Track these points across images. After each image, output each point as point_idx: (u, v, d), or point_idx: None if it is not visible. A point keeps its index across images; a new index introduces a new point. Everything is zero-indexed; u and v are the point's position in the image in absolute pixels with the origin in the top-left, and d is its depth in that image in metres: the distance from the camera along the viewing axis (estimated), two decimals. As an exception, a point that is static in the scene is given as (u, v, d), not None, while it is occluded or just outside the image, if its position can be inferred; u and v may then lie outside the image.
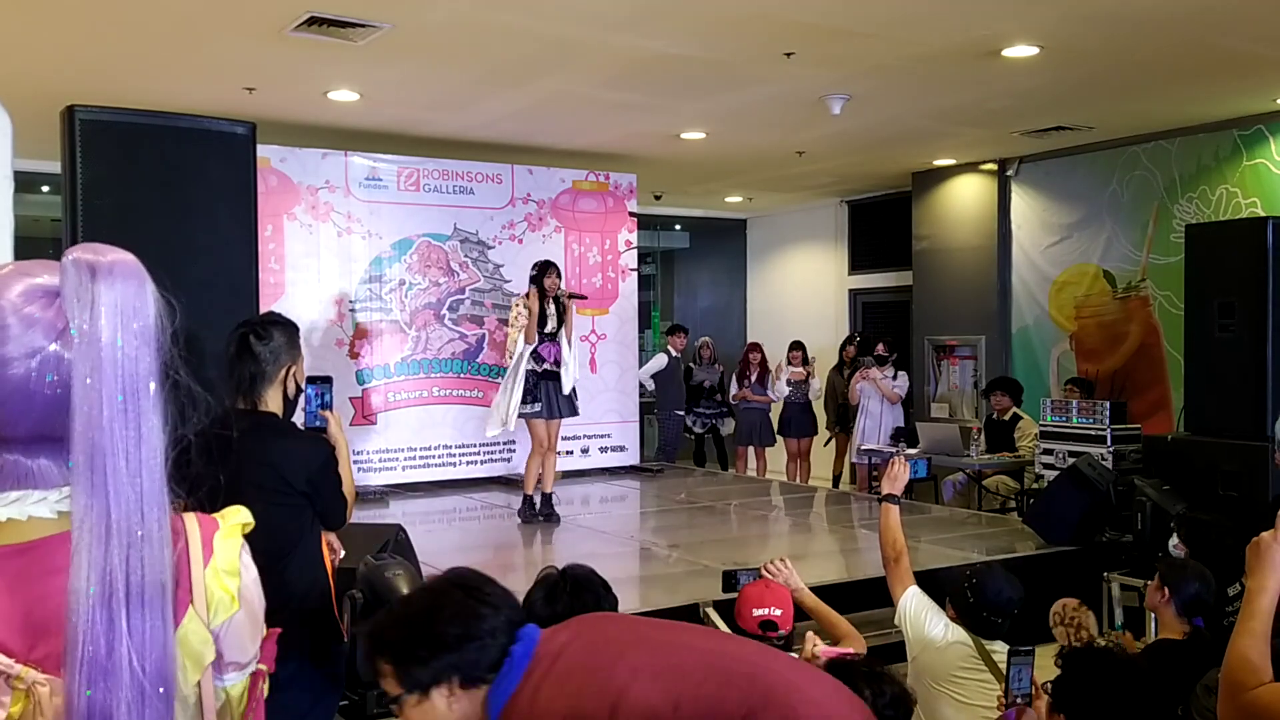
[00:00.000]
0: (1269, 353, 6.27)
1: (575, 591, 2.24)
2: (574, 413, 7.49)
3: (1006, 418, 8.61)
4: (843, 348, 10.76)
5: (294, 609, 2.92)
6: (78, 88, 6.14)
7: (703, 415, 10.85)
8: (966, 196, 10.35)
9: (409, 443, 8.85)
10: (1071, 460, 6.94)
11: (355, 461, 8.03)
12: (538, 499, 7.40)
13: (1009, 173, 9.99)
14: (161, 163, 4.35)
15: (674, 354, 10.54)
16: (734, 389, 10.66)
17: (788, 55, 6.33)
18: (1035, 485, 8.03)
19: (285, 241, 8.37)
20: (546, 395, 7.23)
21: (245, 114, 5.99)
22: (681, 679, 1.56)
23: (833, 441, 10.70)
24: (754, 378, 10.55)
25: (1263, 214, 7.77)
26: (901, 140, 9.03)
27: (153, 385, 1.01)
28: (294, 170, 8.41)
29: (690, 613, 5.02)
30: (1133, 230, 8.99)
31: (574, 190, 9.67)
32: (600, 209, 9.82)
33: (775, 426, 10.64)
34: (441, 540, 7.02)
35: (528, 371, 7.17)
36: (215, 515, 1.17)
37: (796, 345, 10.62)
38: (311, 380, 3.23)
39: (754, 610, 3.32)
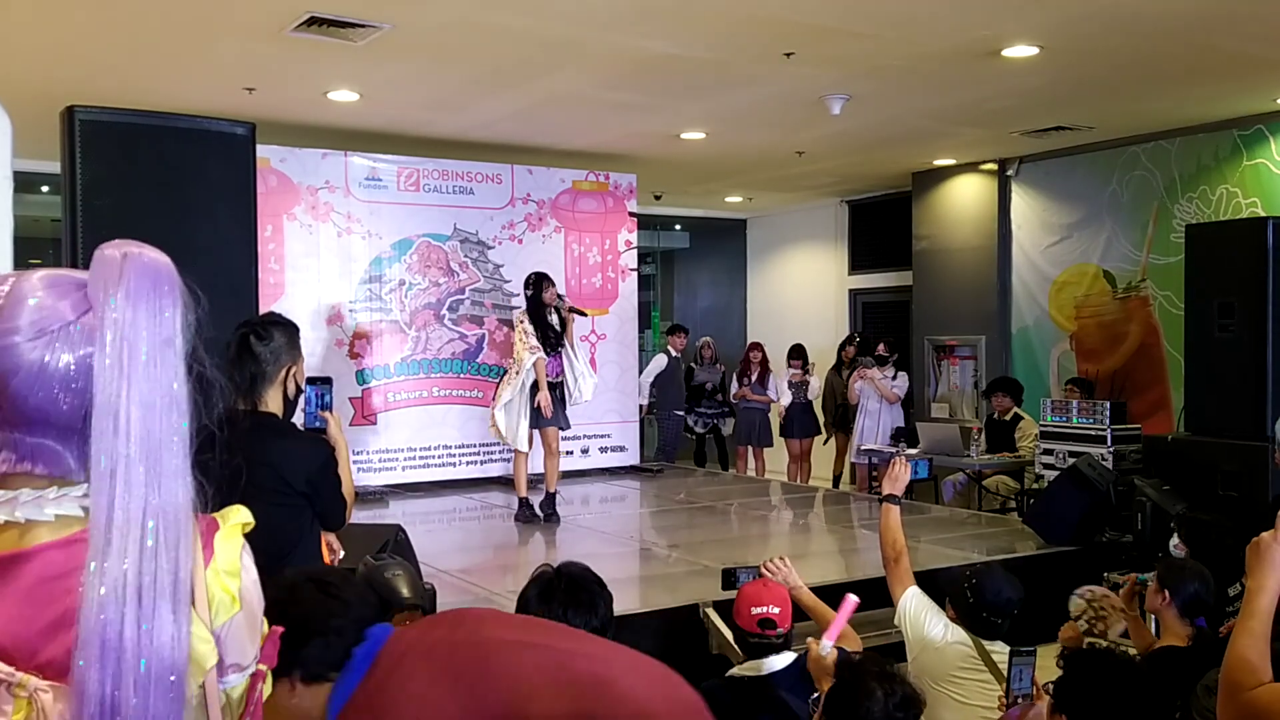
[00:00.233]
0: (1269, 353, 6.27)
1: (570, 590, 2.24)
2: (566, 425, 7.49)
3: (1008, 418, 8.61)
4: (841, 348, 10.76)
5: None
6: (77, 88, 6.15)
7: (704, 415, 10.85)
8: (966, 196, 10.35)
9: (409, 443, 8.85)
10: (1071, 460, 6.94)
11: (355, 462, 8.03)
12: (536, 500, 7.40)
13: (1009, 173, 9.99)
14: (161, 163, 4.35)
15: (674, 354, 10.54)
16: (734, 388, 10.67)
17: (788, 55, 6.33)
18: (1035, 485, 8.03)
19: (285, 242, 8.37)
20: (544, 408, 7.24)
21: (245, 114, 6.00)
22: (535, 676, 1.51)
23: (831, 441, 10.70)
24: (754, 377, 10.55)
25: (1263, 214, 7.77)
26: (901, 140, 9.03)
27: (175, 385, 1.00)
28: (294, 170, 8.41)
29: (690, 612, 5.03)
30: (1133, 230, 8.99)
31: (574, 190, 9.67)
32: (600, 209, 9.82)
33: (777, 428, 10.64)
34: (441, 540, 7.02)
35: (531, 386, 7.17)
36: (215, 515, 1.16)
37: (796, 352, 10.61)
38: (311, 381, 3.23)
39: (752, 609, 3.32)
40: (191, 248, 4.23)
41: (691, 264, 14.63)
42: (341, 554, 3.55)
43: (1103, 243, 9.21)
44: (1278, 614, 1.97)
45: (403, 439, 8.82)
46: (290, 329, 3.11)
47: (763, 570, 3.68)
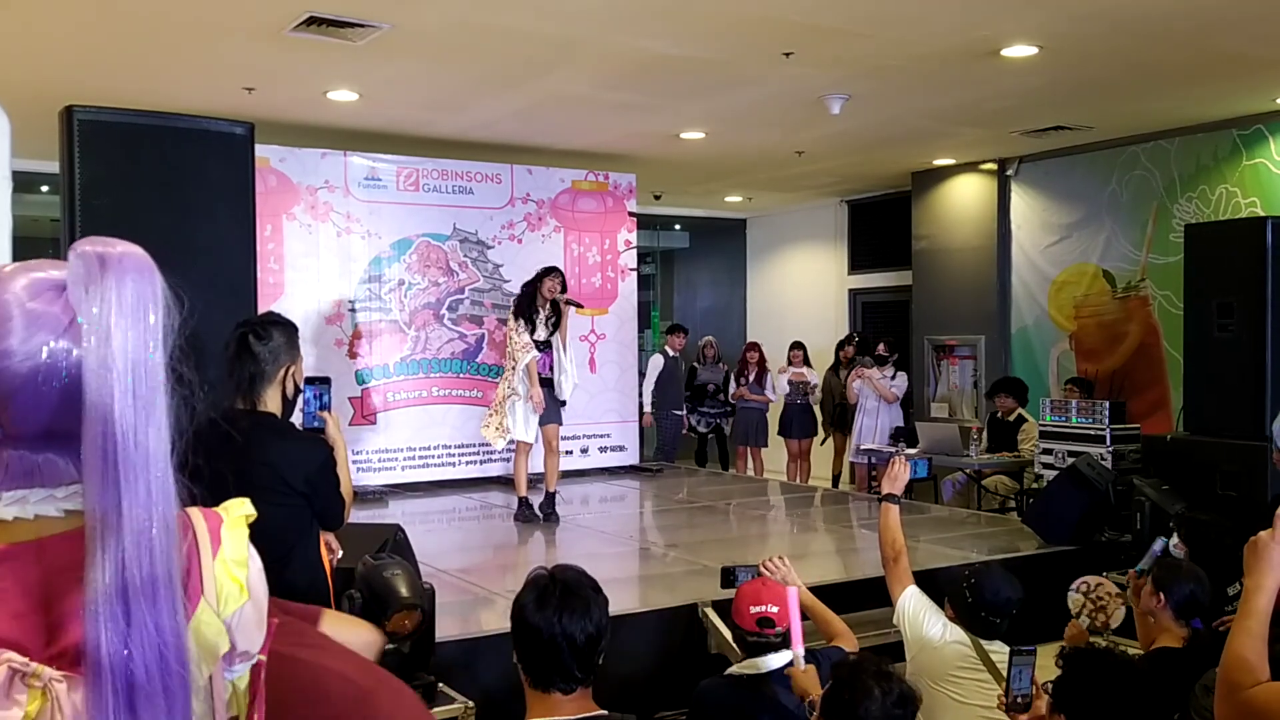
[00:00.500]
0: (1268, 352, 6.27)
1: (564, 594, 2.24)
2: (559, 420, 7.48)
3: (1011, 419, 8.61)
4: (839, 348, 10.75)
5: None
6: (77, 88, 6.15)
7: (707, 415, 10.84)
8: (966, 196, 10.35)
9: (408, 442, 8.85)
10: (1071, 460, 6.95)
11: (355, 461, 8.04)
12: (536, 500, 7.40)
13: (1009, 172, 9.99)
14: (160, 163, 4.35)
15: (672, 354, 10.53)
16: (732, 388, 10.67)
17: (787, 55, 6.33)
18: (1034, 485, 8.03)
19: (285, 241, 8.37)
20: (546, 401, 7.22)
21: (244, 114, 6.00)
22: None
23: (829, 441, 10.70)
24: (751, 377, 10.55)
25: (1262, 214, 7.78)
26: (901, 140, 9.03)
27: (162, 377, 1.01)
28: (293, 170, 8.41)
29: (689, 612, 5.03)
30: (1132, 230, 8.99)
31: (573, 190, 9.67)
32: (600, 209, 9.82)
33: (775, 427, 10.64)
34: (441, 540, 7.02)
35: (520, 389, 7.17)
36: (217, 509, 1.17)
37: (797, 345, 10.63)
38: (310, 381, 3.23)
39: (751, 607, 3.33)
40: (191, 247, 4.24)
41: (691, 264, 14.63)
42: (340, 554, 3.56)
43: (1102, 242, 9.21)
44: (1276, 613, 1.97)
45: (402, 439, 8.82)
46: (289, 329, 3.11)
47: (761, 569, 3.68)
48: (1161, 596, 3.52)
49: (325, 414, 3.25)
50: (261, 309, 4.62)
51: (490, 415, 7.45)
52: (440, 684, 3.99)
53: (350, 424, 8.40)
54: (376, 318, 8.77)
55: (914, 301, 10.91)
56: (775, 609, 3.31)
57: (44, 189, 8.91)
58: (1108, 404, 7.36)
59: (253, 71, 6.71)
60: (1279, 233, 6.34)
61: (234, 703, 1.16)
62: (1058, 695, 2.59)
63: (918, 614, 3.63)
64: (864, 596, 5.07)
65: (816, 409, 10.68)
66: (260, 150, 6.67)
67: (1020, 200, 9.96)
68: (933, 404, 10.59)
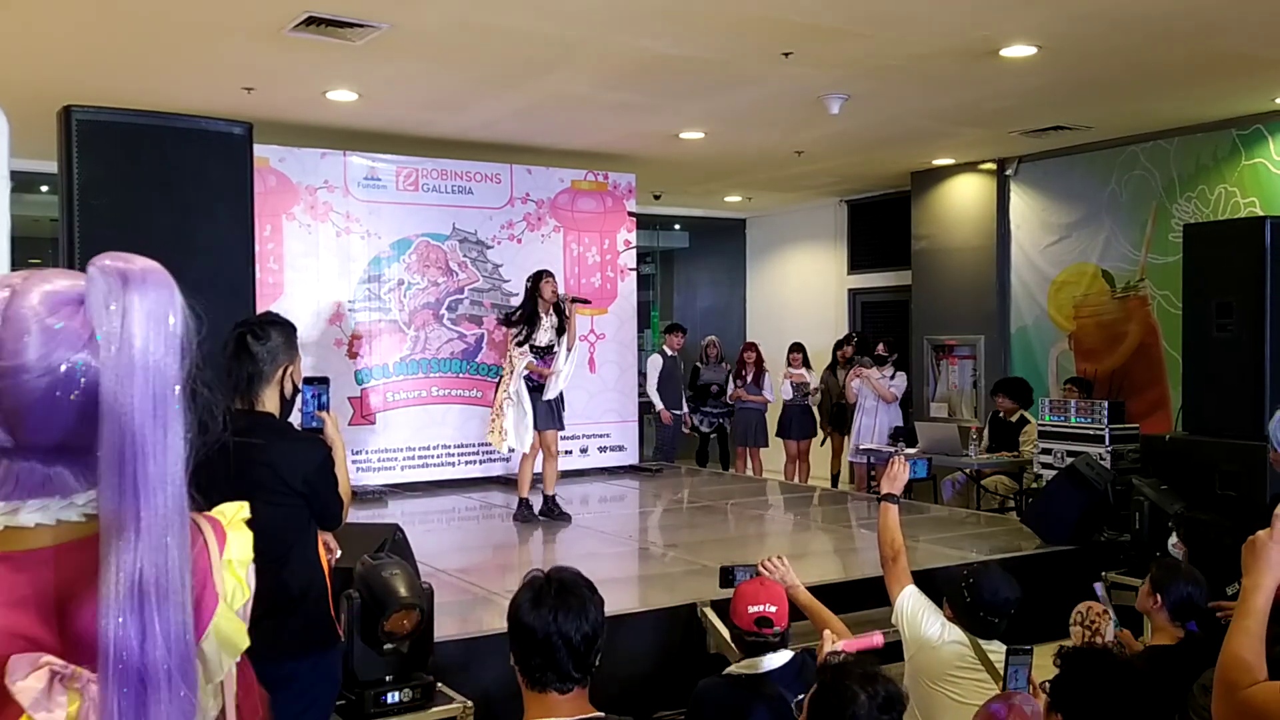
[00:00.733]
0: (1267, 352, 6.26)
1: (560, 593, 2.24)
2: (560, 425, 7.44)
3: (1013, 419, 8.60)
4: (837, 348, 10.74)
5: (291, 609, 2.92)
6: (76, 88, 6.15)
7: (710, 415, 10.84)
8: (965, 196, 10.35)
9: (408, 442, 8.85)
10: (1070, 460, 6.95)
11: (354, 461, 8.04)
12: (536, 502, 7.40)
13: (1008, 172, 9.99)
14: (158, 163, 4.35)
15: (670, 353, 10.53)
16: (730, 388, 10.67)
17: (786, 55, 6.33)
18: (1034, 485, 8.03)
19: (284, 241, 8.37)
20: (544, 406, 7.21)
21: (244, 114, 6.00)
22: None
23: (828, 441, 10.70)
24: (749, 377, 10.55)
25: (1261, 213, 7.77)
26: (900, 140, 9.03)
27: (178, 389, 1.02)
28: (293, 170, 8.41)
29: (688, 611, 5.03)
30: (1131, 230, 8.99)
31: (573, 190, 9.67)
32: (599, 209, 9.82)
33: (774, 428, 10.63)
34: (440, 540, 7.02)
35: (531, 389, 7.15)
36: (213, 513, 1.19)
37: (797, 347, 10.62)
38: (309, 381, 3.23)
39: (749, 607, 3.32)
40: (189, 247, 4.24)
41: (691, 264, 14.63)
42: (338, 553, 3.56)
43: (1101, 242, 9.21)
44: (1275, 613, 1.97)
45: (402, 439, 8.82)
46: (287, 328, 3.11)
47: (760, 569, 3.68)
48: (1158, 597, 3.52)
49: (324, 414, 3.25)
50: (260, 309, 4.61)
51: (493, 420, 7.41)
52: (439, 684, 3.99)
53: (350, 424, 8.40)
54: (376, 318, 8.77)
55: (913, 301, 10.91)
56: (774, 609, 3.31)
57: (43, 189, 8.91)
58: (1107, 404, 7.35)
59: (252, 71, 6.71)
60: (1278, 233, 6.33)
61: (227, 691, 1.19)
62: (1055, 695, 2.58)
63: (916, 613, 3.63)
64: (863, 596, 5.07)
65: (815, 410, 10.68)
66: (260, 150, 6.68)
67: (1020, 200, 9.96)
68: (932, 404, 10.59)
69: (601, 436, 9.75)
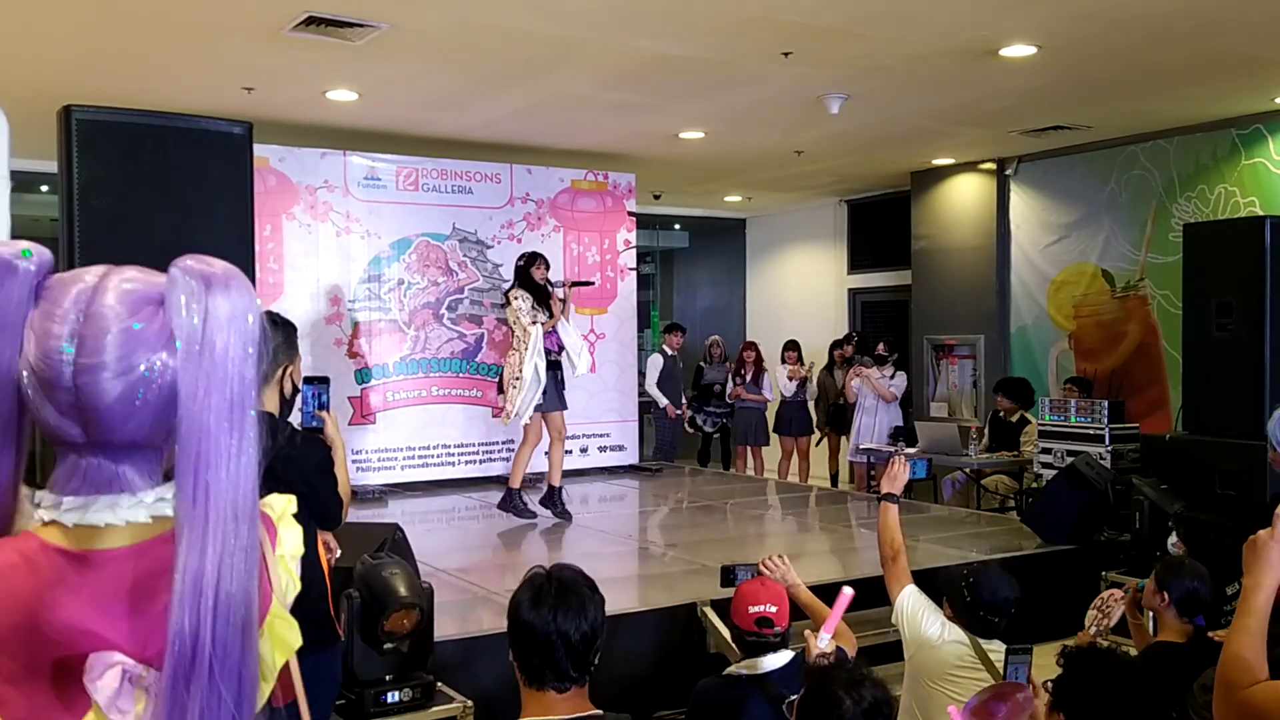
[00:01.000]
0: (1267, 352, 6.27)
1: (560, 592, 2.23)
2: (565, 405, 7.37)
3: (1013, 419, 8.60)
4: (835, 348, 10.73)
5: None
6: (76, 87, 6.15)
7: (713, 414, 10.83)
8: (965, 196, 10.35)
9: (408, 442, 8.85)
10: (1070, 459, 6.95)
11: (354, 461, 8.04)
12: (530, 500, 7.35)
13: (1008, 172, 9.99)
14: (159, 163, 4.34)
15: (670, 353, 10.53)
16: (729, 387, 10.67)
17: (786, 55, 6.33)
18: (1034, 485, 8.03)
19: (284, 241, 8.37)
20: (554, 386, 7.13)
21: (244, 114, 6.00)
22: None
23: (824, 441, 10.69)
24: (749, 376, 10.55)
25: (1261, 213, 7.77)
26: (900, 140, 9.03)
27: (254, 394, 1.04)
28: (293, 170, 8.41)
29: (688, 611, 5.03)
30: (1131, 229, 8.99)
31: (573, 190, 9.67)
32: (599, 208, 9.82)
33: (772, 425, 10.63)
34: (440, 540, 7.02)
35: (549, 364, 7.06)
36: (261, 505, 1.20)
37: (791, 345, 10.61)
38: (308, 380, 3.23)
39: (750, 607, 3.32)
40: (189, 247, 4.17)
41: (691, 263, 14.63)
42: (338, 553, 3.56)
43: (1101, 242, 9.21)
44: (1275, 613, 1.97)
45: (402, 438, 8.82)
46: (287, 328, 3.11)
47: (761, 568, 3.68)
48: (1165, 595, 3.52)
49: (323, 413, 3.25)
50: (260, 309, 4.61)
51: (510, 388, 7.23)
52: (439, 683, 3.99)
53: (350, 424, 8.40)
54: (376, 317, 8.77)
55: (913, 301, 10.91)
56: (774, 609, 3.31)
57: (43, 189, 8.90)
58: (1107, 403, 7.35)
59: (252, 71, 6.71)
60: (1278, 232, 6.33)
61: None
62: (1057, 694, 2.58)
63: (916, 613, 3.63)
64: (862, 596, 5.02)
65: (813, 409, 10.67)
66: (259, 150, 6.68)
67: (1019, 200, 9.96)
68: (932, 404, 10.59)
69: (602, 436, 9.75)
